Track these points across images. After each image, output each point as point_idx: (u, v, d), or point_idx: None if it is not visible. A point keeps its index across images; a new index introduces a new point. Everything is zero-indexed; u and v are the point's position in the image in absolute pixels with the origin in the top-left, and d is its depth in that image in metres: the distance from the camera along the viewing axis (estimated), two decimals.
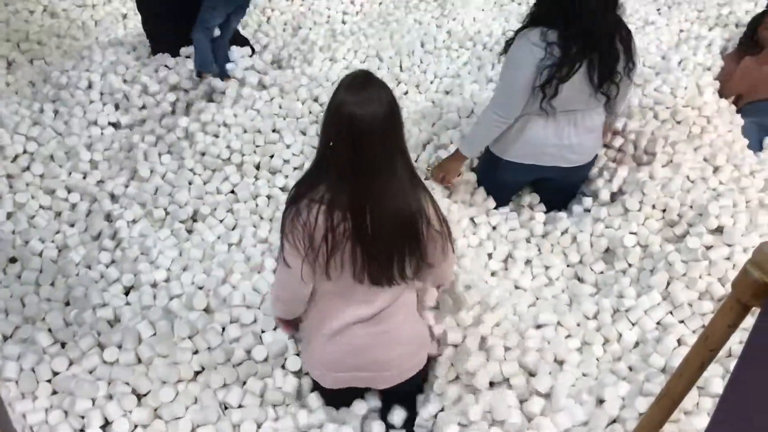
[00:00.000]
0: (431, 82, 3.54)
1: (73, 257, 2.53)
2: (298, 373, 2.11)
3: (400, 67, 3.65)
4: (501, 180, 2.78)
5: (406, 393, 2.07)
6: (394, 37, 3.89)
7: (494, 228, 2.73)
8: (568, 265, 2.60)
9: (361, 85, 1.60)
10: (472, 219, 2.72)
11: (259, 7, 4.24)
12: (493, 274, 2.55)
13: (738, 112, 3.19)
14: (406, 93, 3.47)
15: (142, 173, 2.86)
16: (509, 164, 2.68)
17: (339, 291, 1.82)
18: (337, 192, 1.65)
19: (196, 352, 2.12)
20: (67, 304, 2.37)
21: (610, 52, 2.40)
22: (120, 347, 2.12)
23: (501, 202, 2.85)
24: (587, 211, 2.78)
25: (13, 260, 2.54)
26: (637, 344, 2.16)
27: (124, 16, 4.23)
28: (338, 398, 2.06)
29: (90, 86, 3.32)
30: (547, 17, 2.38)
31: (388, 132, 1.61)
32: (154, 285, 2.40)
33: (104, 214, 2.73)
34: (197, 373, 2.10)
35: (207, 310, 2.27)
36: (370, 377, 1.96)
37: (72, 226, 2.72)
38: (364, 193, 1.64)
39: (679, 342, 2.11)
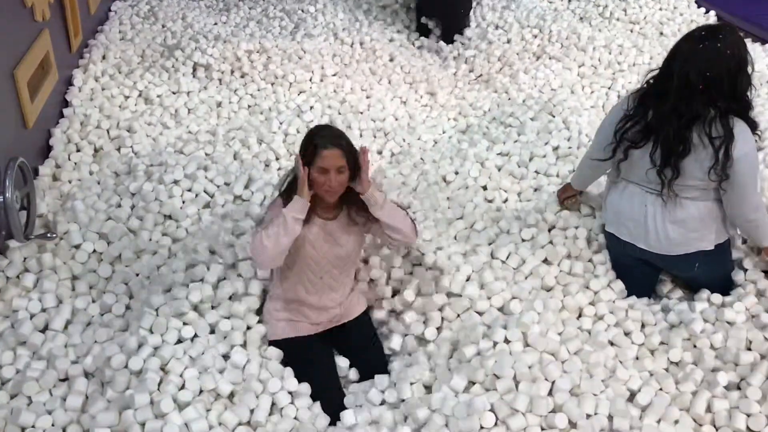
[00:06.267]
0: None
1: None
2: None
3: None
4: (612, 256, 2.76)
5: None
6: None
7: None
8: None
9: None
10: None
11: None
12: None
13: None
14: None
15: None
16: (607, 235, 2.73)
17: None
18: None
19: None
20: None
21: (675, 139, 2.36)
22: None
23: (629, 290, 2.69)
24: None
25: (63, 380, 2.30)
26: None
27: (219, 104, 4.11)
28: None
29: (175, 182, 3.16)
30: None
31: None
32: None
33: None
34: None
35: None
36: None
37: None
38: None
39: None
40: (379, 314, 2.65)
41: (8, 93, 2.89)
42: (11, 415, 2.13)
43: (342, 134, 2.32)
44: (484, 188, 3.31)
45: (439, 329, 2.54)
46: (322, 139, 2.25)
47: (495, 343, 2.36)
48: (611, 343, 2.48)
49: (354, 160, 2.28)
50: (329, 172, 2.24)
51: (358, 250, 2.54)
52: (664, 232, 2.52)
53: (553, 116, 3.87)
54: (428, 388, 2.34)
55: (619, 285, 2.68)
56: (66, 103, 3.76)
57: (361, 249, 2.60)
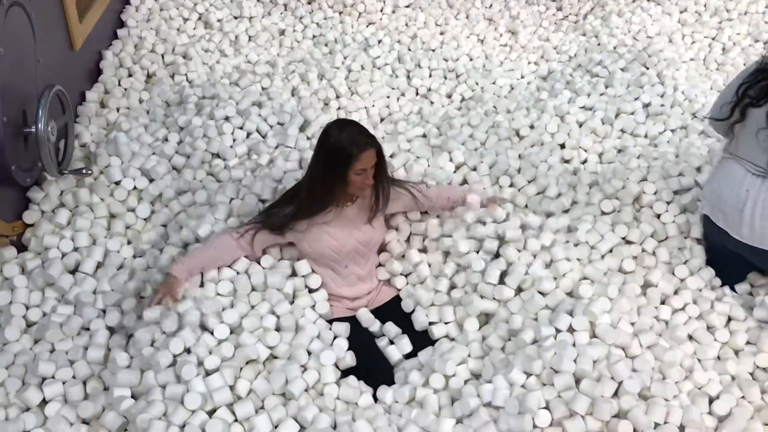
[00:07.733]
0: None
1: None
2: None
3: None
4: (708, 240, 2.41)
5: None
6: None
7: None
8: None
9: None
10: None
11: None
12: None
13: None
14: None
15: None
16: (703, 216, 2.39)
17: None
18: None
19: None
20: None
21: None
22: None
23: (723, 279, 2.38)
24: None
25: (88, 329, 2.16)
26: None
27: (282, 32, 3.85)
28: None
29: (226, 119, 2.95)
30: None
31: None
32: None
33: None
34: None
35: None
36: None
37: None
38: None
39: None
40: (427, 292, 2.40)
41: (53, 12, 2.70)
42: (32, 363, 2.02)
43: (364, 129, 2.28)
44: (562, 147, 2.98)
45: (489, 314, 2.29)
46: (356, 146, 2.19)
47: (558, 331, 2.10)
48: (690, 338, 2.19)
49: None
50: (367, 170, 2.23)
51: (380, 234, 2.45)
52: (761, 223, 2.18)
53: (647, 68, 3.47)
54: (477, 376, 2.11)
55: (709, 272, 2.36)
56: (121, 24, 3.56)
57: (384, 232, 2.48)
